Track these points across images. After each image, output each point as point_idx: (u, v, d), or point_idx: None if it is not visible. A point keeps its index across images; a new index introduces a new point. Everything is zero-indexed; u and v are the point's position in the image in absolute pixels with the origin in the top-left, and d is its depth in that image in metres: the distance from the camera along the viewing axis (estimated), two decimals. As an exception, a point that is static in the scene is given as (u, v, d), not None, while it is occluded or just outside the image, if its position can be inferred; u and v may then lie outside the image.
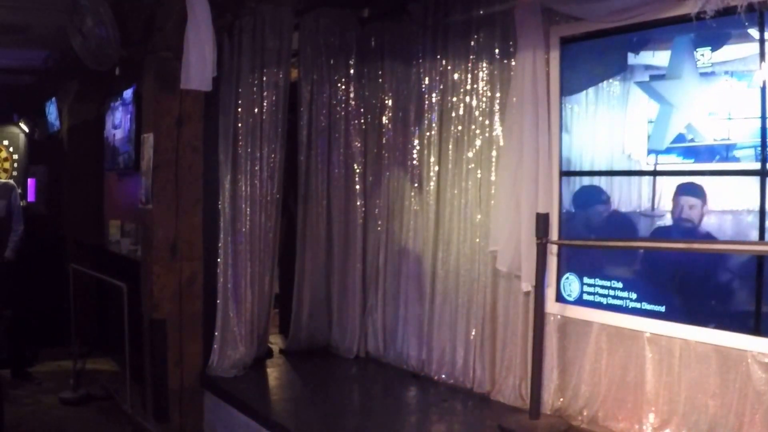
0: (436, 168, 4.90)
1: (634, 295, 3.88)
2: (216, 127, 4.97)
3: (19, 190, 6.96)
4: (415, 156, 5.08)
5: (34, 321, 6.69)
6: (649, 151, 3.86)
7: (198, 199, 4.92)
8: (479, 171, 4.61)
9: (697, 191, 3.68)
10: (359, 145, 5.43)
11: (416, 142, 5.08)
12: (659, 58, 3.82)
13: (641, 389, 3.75)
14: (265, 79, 5.08)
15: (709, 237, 3.62)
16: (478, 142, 4.60)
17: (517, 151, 4.23)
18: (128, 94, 6.47)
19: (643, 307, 3.83)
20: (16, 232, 6.27)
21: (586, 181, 4.22)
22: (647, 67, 3.88)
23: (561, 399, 4.13)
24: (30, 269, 6.62)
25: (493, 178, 4.51)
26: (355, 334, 5.44)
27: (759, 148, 3.37)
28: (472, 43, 4.63)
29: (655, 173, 3.86)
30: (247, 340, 5.15)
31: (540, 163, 4.15)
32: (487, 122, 4.56)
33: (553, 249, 4.18)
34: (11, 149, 8.89)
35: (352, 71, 5.47)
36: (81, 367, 5.86)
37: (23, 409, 5.49)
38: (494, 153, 4.51)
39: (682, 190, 3.75)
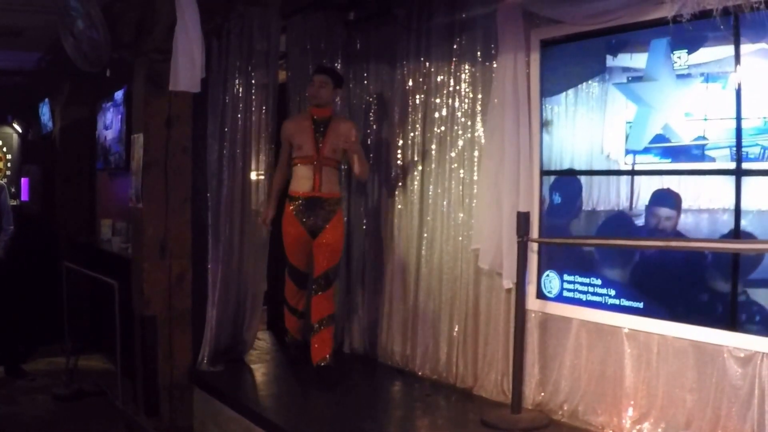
0: (420, 168, 4.96)
1: (612, 292, 3.94)
2: (205, 128, 5.00)
3: (13, 189, 7.02)
4: (399, 156, 5.14)
5: (28, 318, 6.72)
6: (627, 151, 3.91)
7: (187, 198, 4.96)
8: (462, 171, 4.67)
9: (672, 201, 3.73)
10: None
11: (400, 142, 5.13)
12: (637, 60, 3.86)
13: (620, 384, 3.80)
14: (253, 80, 5.12)
15: (684, 235, 3.69)
16: (460, 143, 4.67)
17: (498, 151, 4.27)
18: (119, 95, 6.52)
19: (621, 304, 3.88)
20: (6, 231, 6.30)
21: (566, 180, 4.29)
22: (625, 69, 3.92)
23: (542, 394, 4.18)
24: (23, 267, 6.66)
25: (475, 177, 4.56)
26: (339, 329, 5.49)
27: (734, 148, 3.43)
28: (455, 45, 4.68)
29: (633, 173, 3.90)
30: (236, 336, 5.23)
31: (521, 163, 4.19)
32: (469, 123, 4.62)
33: (534, 247, 4.23)
34: (5, 149, 8.97)
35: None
36: (74, 363, 5.87)
37: (17, 405, 5.54)
38: (476, 153, 4.56)
39: (657, 200, 3.80)
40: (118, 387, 5.32)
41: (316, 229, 4.79)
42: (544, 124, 4.28)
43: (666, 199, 3.77)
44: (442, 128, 4.79)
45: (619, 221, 3.99)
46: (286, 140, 4.90)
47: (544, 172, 4.28)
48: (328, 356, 4.79)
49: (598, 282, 4.02)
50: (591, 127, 4.09)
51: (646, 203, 3.85)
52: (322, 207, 4.78)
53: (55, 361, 6.50)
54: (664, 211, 3.78)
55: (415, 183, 4.99)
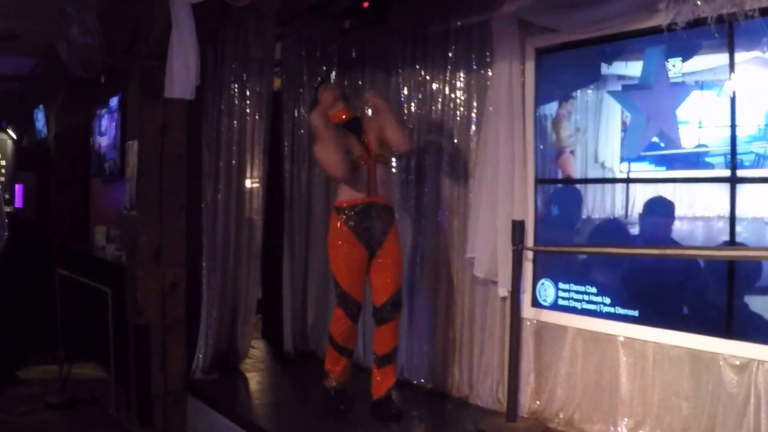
0: (415, 175, 4.94)
1: (608, 300, 3.94)
2: (199, 135, 5.00)
3: (7, 196, 6.98)
4: (394, 164, 5.10)
5: (21, 325, 6.69)
6: (622, 159, 3.92)
7: (181, 206, 4.94)
8: (457, 179, 4.66)
9: (666, 208, 3.74)
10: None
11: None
12: (632, 68, 3.88)
13: (616, 392, 3.80)
14: (248, 87, 5.13)
15: (679, 242, 3.69)
16: (455, 151, 4.67)
17: (493, 159, 4.27)
18: (114, 102, 6.51)
19: (617, 312, 3.89)
20: (1, 237, 6.28)
21: (562, 188, 4.29)
22: (620, 77, 3.94)
23: (537, 402, 4.18)
24: (17, 274, 6.63)
25: (470, 185, 4.56)
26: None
27: (729, 156, 3.44)
28: (450, 53, 4.67)
29: (628, 181, 3.91)
30: (230, 345, 5.21)
31: (515, 171, 4.20)
32: (464, 131, 4.61)
33: (529, 255, 4.23)
34: (-1, 155, 8.93)
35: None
36: (67, 371, 5.84)
37: (9, 413, 5.49)
38: (471, 161, 4.56)
39: (651, 208, 3.82)
40: (111, 395, 5.30)
41: (374, 244, 4.17)
42: (539, 132, 4.28)
43: (659, 206, 3.78)
44: (437, 136, 4.78)
45: (614, 229, 3.99)
46: (331, 126, 4.15)
47: (539, 181, 4.28)
48: (390, 390, 4.30)
49: (594, 290, 4.02)
50: (586, 135, 4.10)
51: (640, 211, 3.86)
52: (379, 216, 4.19)
53: (48, 369, 6.46)
54: (658, 219, 3.79)
55: (411, 190, 4.97)
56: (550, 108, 4.24)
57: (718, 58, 3.49)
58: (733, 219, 3.43)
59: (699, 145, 3.61)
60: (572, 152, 4.15)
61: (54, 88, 7.71)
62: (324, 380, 4.37)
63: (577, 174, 4.15)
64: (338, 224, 4.19)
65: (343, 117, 4.33)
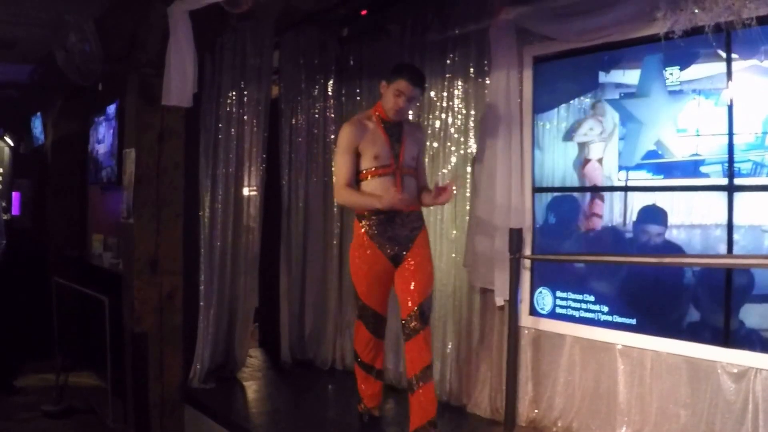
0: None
1: (605, 309, 3.95)
2: (197, 143, 4.99)
3: (4, 204, 6.96)
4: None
5: (18, 333, 6.67)
6: (620, 168, 3.93)
7: (179, 214, 4.91)
8: (454, 187, 4.62)
9: (658, 217, 3.75)
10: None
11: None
12: (629, 76, 3.89)
13: (614, 400, 3.81)
14: (245, 95, 5.12)
15: (677, 250, 3.69)
16: (453, 159, 4.65)
17: (490, 167, 4.27)
18: (111, 109, 6.50)
19: (614, 320, 3.90)
20: (-1, 245, 6.28)
21: (559, 196, 4.29)
22: (618, 86, 3.95)
23: (536, 411, 4.17)
24: (14, 282, 6.61)
25: (467, 194, 4.55)
26: (332, 347, 5.50)
27: (726, 164, 3.45)
28: (448, 61, 4.67)
29: (626, 189, 3.92)
30: (227, 354, 5.19)
31: (513, 179, 4.20)
32: (462, 139, 4.61)
33: (527, 263, 4.23)
34: (-4, 163, 8.90)
35: (330, 89, 5.54)
36: (63, 380, 5.82)
37: (6, 422, 5.48)
38: (469, 169, 4.55)
39: (644, 217, 3.83)
40: (108, 404, 5.27)
41: (399, 253, 3.92)
42: (536, 141, 4.29)
43: (652, 215, 3.79)
44: (435, 144, 4.76)
45: (612, 238, 3.99)
46: (350, 151, 3.87)
47: (536, 189, 4.28)
48: (433, 419, 3.83)
49: (591, 298, 4.02)
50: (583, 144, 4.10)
51: (634, 220, 3.88)
52: (404, 224, 3.92)
53: (45, 377, 6.43)
54: (652, 228, 3.80)
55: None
56: (566, 115, 4.25)
57: (715, 66, 3.50)
58: (730, 227, 3.44)
59: (696, 153, 3.61)
60: (599, 161, 4.06)
61: (51, 96, 7.70)
62: (358, 405, 4.25)
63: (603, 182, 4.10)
64: (361, 232, 3.96)
65: (386, 120, 3.96)
